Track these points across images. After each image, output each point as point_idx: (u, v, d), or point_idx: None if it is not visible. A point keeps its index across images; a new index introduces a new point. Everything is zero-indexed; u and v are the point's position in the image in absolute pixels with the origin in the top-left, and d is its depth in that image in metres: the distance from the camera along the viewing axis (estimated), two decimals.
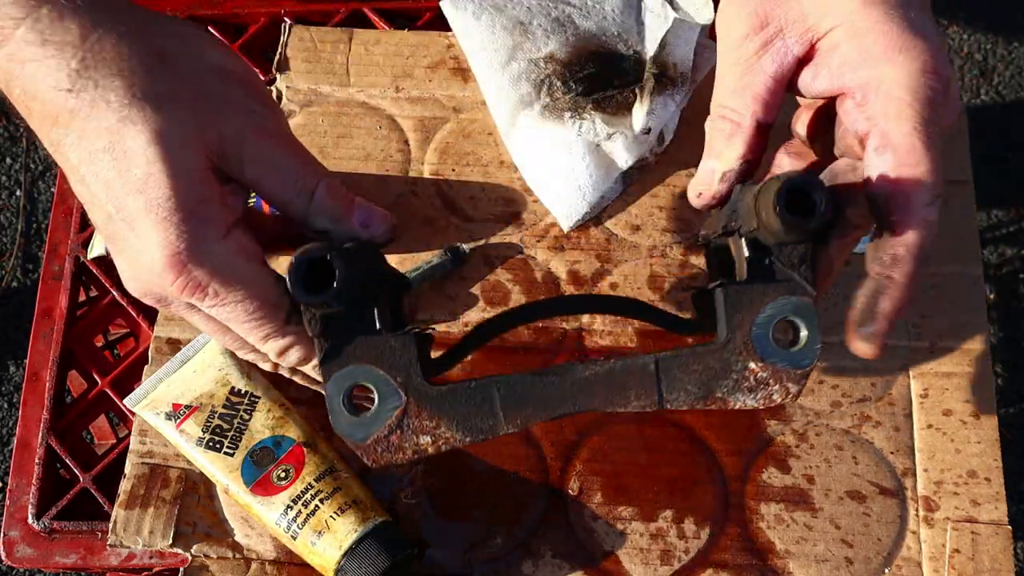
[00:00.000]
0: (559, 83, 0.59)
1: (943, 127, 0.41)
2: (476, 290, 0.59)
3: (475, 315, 0.58)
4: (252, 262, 0.41)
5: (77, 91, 0.38)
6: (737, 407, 0.43)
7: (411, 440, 0.43)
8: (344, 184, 0.57)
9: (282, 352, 0.44)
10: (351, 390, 0.42)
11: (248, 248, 0.41)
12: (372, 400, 0.43)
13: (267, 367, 0.50)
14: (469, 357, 0.57)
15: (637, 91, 0.59)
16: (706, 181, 0.46)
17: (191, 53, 0.41)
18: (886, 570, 0.53)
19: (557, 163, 0.59)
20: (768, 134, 0.45)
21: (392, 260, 0.59)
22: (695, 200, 0.47)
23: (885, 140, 0.41)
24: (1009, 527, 0.53)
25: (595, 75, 0.60)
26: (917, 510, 0.54)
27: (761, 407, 0.43)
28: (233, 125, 0.40)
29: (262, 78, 0.42)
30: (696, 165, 0.47)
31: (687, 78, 0.60)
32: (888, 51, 0.41)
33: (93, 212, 0.41)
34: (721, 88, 0.45)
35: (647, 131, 0.59)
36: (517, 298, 0.59)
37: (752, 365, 0.43)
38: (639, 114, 0.58)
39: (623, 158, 0.59)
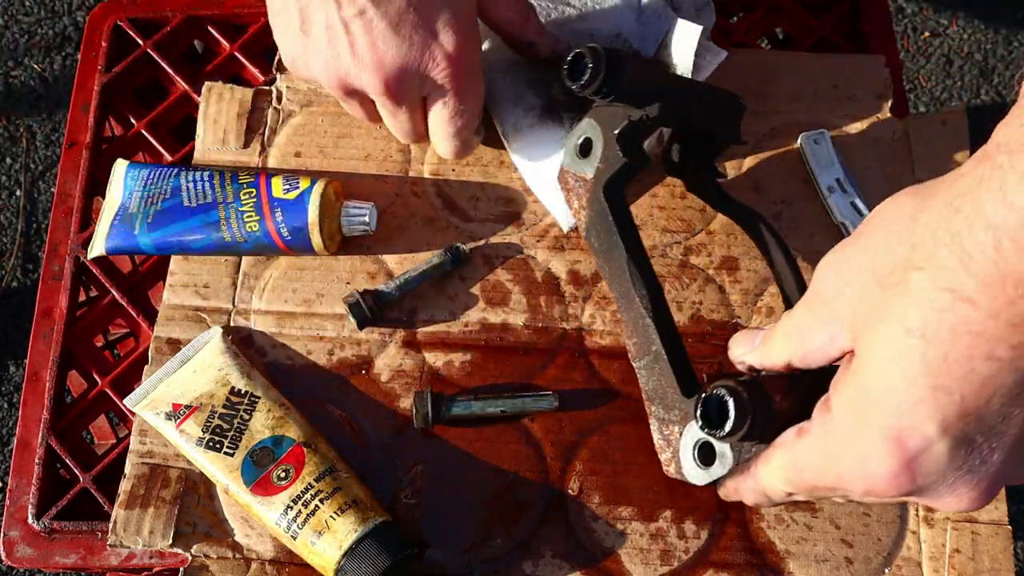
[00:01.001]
0: (558, 84, 0.59)
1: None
2: (476, 290, 0.59)
3: (475, 315, 0.58)
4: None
5: None
6: None
7: None
8: (344, 184, 0.60)
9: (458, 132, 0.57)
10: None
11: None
12: None
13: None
14: (468, 357, 0.57)
15: None
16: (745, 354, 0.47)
17: None
18: (886, 570, 0.53)
19: (556, 164, 0.59)
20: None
21: (392, 260, 0.59)
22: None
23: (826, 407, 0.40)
24: (1009, 527, 0.53)
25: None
26: (917, 510, 0.54)
27: None
28: None
29: None
30: None
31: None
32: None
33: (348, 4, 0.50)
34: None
35: None
36: (517, 298, 0.59)
37: None
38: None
39: None
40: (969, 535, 0.53)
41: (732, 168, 0.62)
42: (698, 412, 0.43)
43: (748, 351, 0.46)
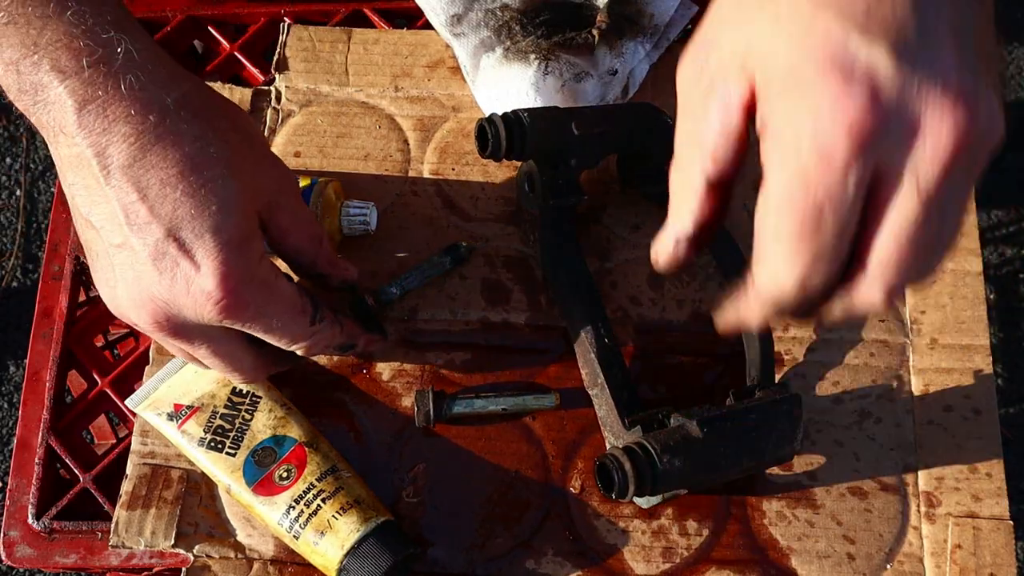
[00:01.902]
0: (518, 28, 0.60)
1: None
2: (477, 289, 0.59)
3: (476, 314, 0.58)
4: (282, 278, 0.47)
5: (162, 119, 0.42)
6: None
7: None
8: (344, 184, 0.58)
9: (311, 348, 0.50)
10: None
11: (277, 269, 0.47)
12: None
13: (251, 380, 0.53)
14: (469, 356, 0.57)
15: (595, 32, 0.60)
16: (663, 243, 0.42)
17: (245, 121, 0.47)
18: (888, 566, 0.53)
19: (525, 104, 0.59)
20: (725, 192, 0.40)
21: (393, 260, 0.59)
22: (655, 263, 0.43)
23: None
24: (1011, 522, 0.53)
25: (551, 21, 0.61)
26: (919, 506, 0.54)
27: None
28: (275, 184, 0.47)
29: None
30: None
31: (659, 30, 0.62)
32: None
33: (112, 231, 0.43)
34: (677, 137, 0.40)
35: (613, 72, 0.60)
36: (518, 297, 0.59)
37: None
38: (604, 54, 0.60)
39: (591, 97, 0.60)
40: (971, 531, 0.53)
41: None
42: (596, 476, 0.48)
43: (665, 230, 0.42)
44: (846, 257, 0.35)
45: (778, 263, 0.35)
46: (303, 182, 0.57)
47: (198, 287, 0.43)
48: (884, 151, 0.33)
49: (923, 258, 0.35)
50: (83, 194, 0.42)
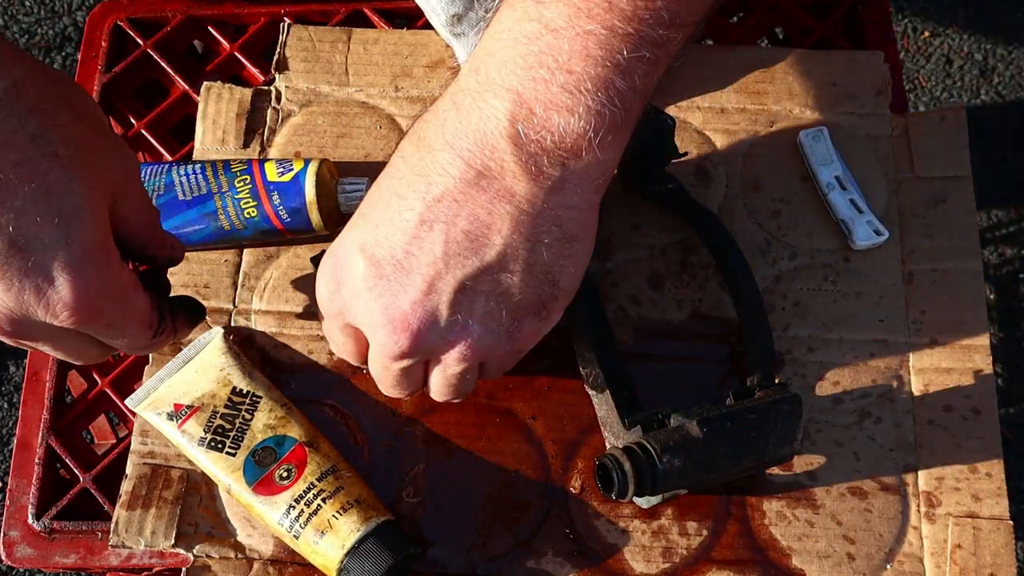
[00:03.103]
0: None
1: None
2: None
3: None
4: (139, 291, 0.45)
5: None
6: None
7: None
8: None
9: (143, 351, 0.50)
10: None
11: (133, 280, 0.45)
12: None
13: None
14: None
15: None
16: None
17: (87, 105, 0.44)
18: (888, 566, 0.53)
19: None
20: None
21: None
22: None
23: None
24: (1011, 522, 0.53)
25: None
26: (919, 506, 0.54)
27: None
28: (120, 174, 0.44)
29: None
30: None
31: None
32: None
33: None
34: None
35: None
36: None
37: None
38: None
39: None
40: (971, 531, 0.53)
41: (732, 166, 0.62)
42: (596, 476, 0.49)
43: None
44: (422, 385, 0.50)
45: (389, 392, 0.51)
46: (296, 166, 0.57)
47: (53, 299, 0.40)
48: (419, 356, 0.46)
49: (449, 394, 0.50)
50: None
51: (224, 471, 0.52)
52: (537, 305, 0.46)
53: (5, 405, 1.32)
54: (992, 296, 1.37)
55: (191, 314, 0.51)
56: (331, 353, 0.57)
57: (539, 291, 0.45)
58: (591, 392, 0.54)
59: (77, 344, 0.45)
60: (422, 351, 0.45)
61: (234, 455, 0.52)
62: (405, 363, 0.46)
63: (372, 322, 0.45)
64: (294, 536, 0.50)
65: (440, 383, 0.48)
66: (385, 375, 0.48)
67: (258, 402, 0.54)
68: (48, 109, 0.40)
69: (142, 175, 0.59)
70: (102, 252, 0.41)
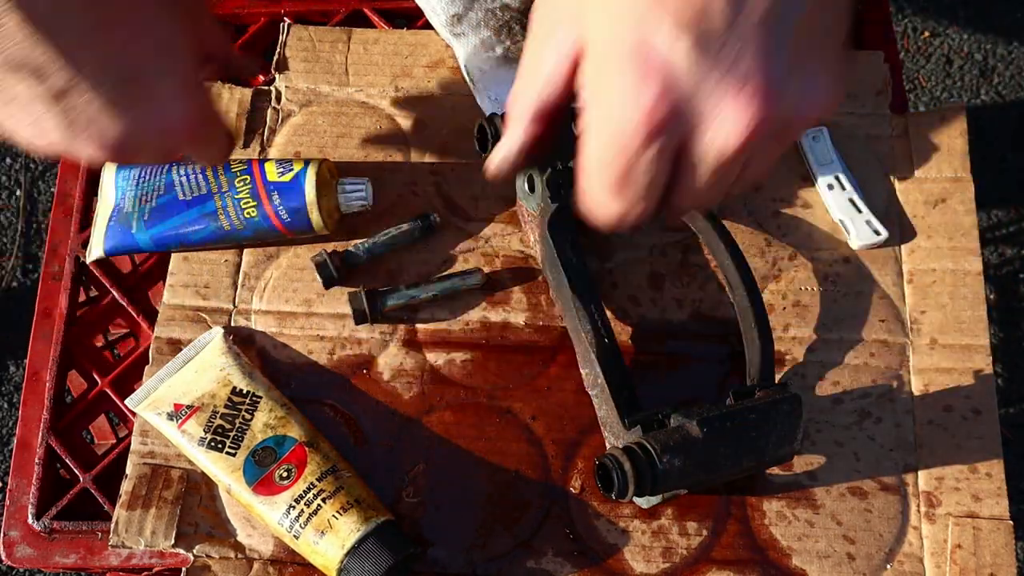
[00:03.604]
0: (519, 27, 0.60)
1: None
2: (476, 289, 0.59)
3: (476, 314, 0.58)
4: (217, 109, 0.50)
5: None
6: None
7: None
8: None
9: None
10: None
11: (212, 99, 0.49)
12: None
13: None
14: (469, 356, 0.57)
15: None
16: (494, 157, 0.48)
17: None
18: (888, 566, 0.53)
19: None
20: (551, 122, 0.45)
21: (392, 258, 0.59)
22: (485, 172, 0.49)
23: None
24: (1011, 522, 0.53)
25: None
26: (919, 506, 0.54)
27: None
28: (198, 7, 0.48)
29: None
30: None
31: None
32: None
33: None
34: (520, 66, 0.45)
35: None
36: (518, 297, 0.59)
37: None
38: None
39: None
40: (971, 530, 0.53)
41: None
42: (596, 476, 0.48)
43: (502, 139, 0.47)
44: (659, 196, 0.41)
45: (603, 201, 0.41)
46: (296, 166, 0.57)
47: (168, 121, 0.44)
48: (681, 130, 0.37)
49: (716, 196, 0.41)
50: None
51: (224, 471, 0.52)
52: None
53: (5, 405, 1.32)
54: (992, 296, 1.37)
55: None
56: (331, 353, 0.57)
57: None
58: (591, 392, 0.54)
59: (167, 153, 0.48)
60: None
61: (234, 455, 0.52)
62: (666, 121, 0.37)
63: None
64: (294, 536, 0.50)
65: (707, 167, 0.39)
66: (624, 152, 0.39)
67: (258, 402, 0.54)
68: None
69: (142, 174, 0.59)
70: (195, 77, 0.45)
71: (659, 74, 0.36)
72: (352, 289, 0.58)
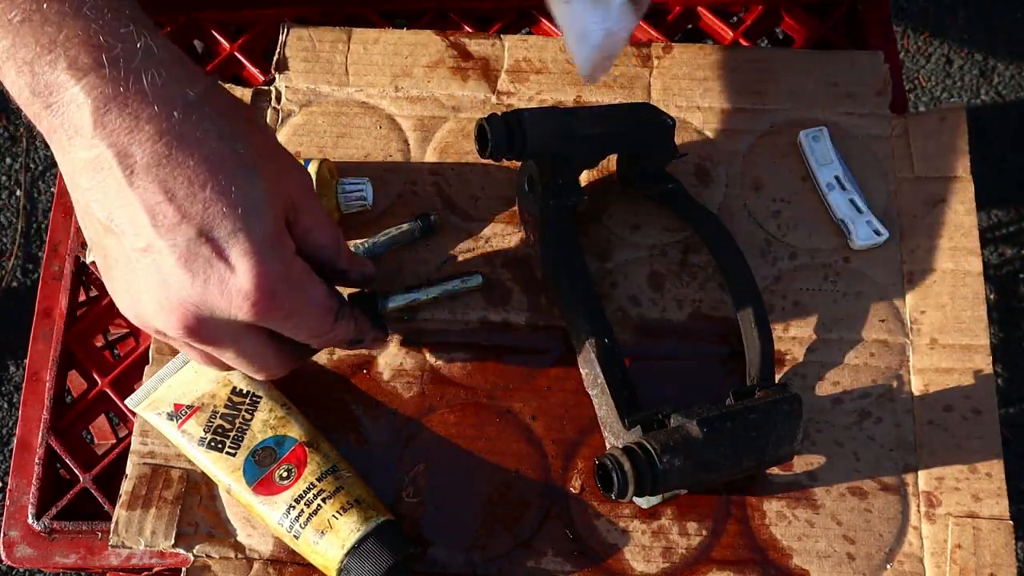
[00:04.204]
0: None
1: None
2: (476, 288, 0.59)
3: (476, 314, 0.58)
4: (314, 277, 0.46)
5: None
6: None
7: None
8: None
9: (329, 343, 0.50)
10: None
11: (308, 268, 0.46)
12: None
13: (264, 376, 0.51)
14: (470, 356, 0.57)
15: None
16: None
17: (262, 120, 0.48)
18: (888, 566, 0.53)
19: (567, 20, 0.54)
20: None
21: (391, 258, 0.59)
22: None
23: None
24: (1011, 522, 0.53)
25: None
26: (919, 506, 0.54)
27: None
28: (297, 185, 0.46)
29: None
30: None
31: None
32: None
33: (135, 236, 0.41)
34: None
35: None
36: (518, 297, 0.59)
37: None
38: None
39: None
40: (971, 531, 0.53)
41: (732, 166, 0.62)
42: (596, 476, 0.48)
43: None
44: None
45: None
46: None
47: (233, 287, 0.42)
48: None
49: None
50: (100, 199, 0.40)
51: (224, 471, 0.52)
52: None
53: (5, 405, 1.32)
54: (992, 296, 1.37)
55: (375, 320, 0.52)
56: (331, 353, 0.57)
57: None
58: (591, 392, 0.54)
59: (258, 347, 0.46)
60: None
61: (234, 455, 0.52)
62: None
63: None
64: (294, 536, 0.50)
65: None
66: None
67: (258, 402, 0.54)
68: (231, 115, 0.42)
69: None
70: (278, 241, 0.43)
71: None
72: (352, 291, 0.58)
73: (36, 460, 0.58)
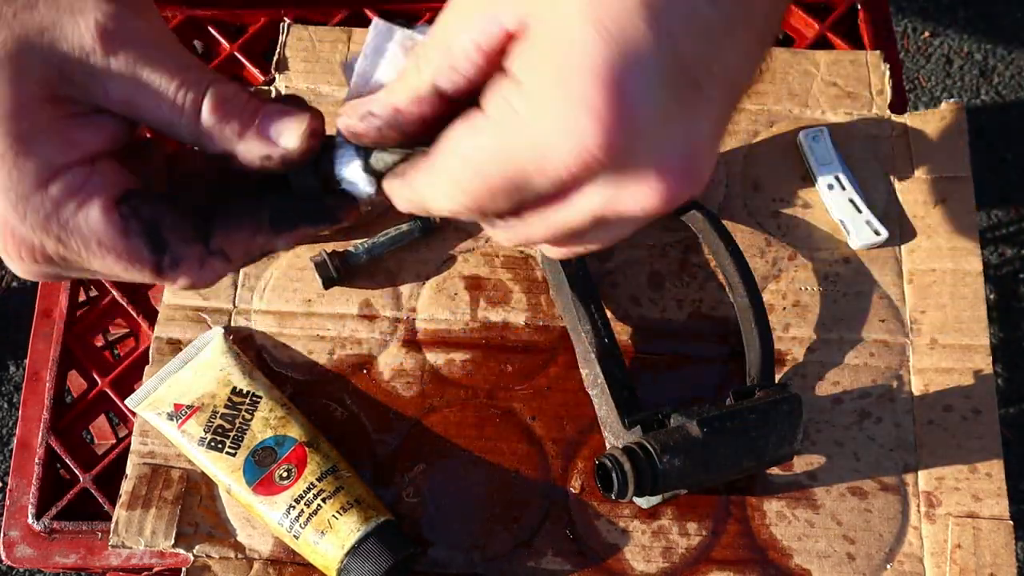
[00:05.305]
0: None
1: None
2: (477, 289, 0.59)
3: (476, 314, 0.58)
4: (87, 207, 0.32)
5: None
6: None
7: None
8: None
9: (193, 285, 0.36)
10: None
11: (76, 188, 0.32)
12: None
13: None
14: (469, 356, 0.57)
15: None
16: (357, 107, 0.35)
17: None
18: (888, 566, 0.53)
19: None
20: (449, 106, 0.33)
21: (392, 260, 0.59)
22: (340, 120, 0.36)
23: None
24: (1011, 522, 0.53)
25: None
26: (919, 506, 0.54)
27: None
28: (73, 40, 0.31)
29: None
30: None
31: None
32: None
33: None
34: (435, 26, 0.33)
35: None
36: (518, 297, 0.59)
37: None
38: None
39: None
40: (971, 530, 0.53)
41: (732, 166, 0.62)
42: (596, 476, 0.48)
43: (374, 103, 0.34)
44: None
45: (433, 200, 0.33)
46: None
47: None
48: (588, 177, 0.30)
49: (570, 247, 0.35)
50: None
51: (224, 471, 0.52)
52: None
53: (5, 405, 1.32)
54: (992, 296, 1.37)
55: (301, 201, 0.35)
56: (331, 353, 0.57)
57: None
58: (591, 392, 0.54)
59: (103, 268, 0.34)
60: None
61: (234, 455, 0.52)
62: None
63: None
64: (294, 536, 0.50)
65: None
66: (513, 180, 0.31)
67: (258, 402, 0.54)
68: None
69: None
70: (12, 155, 0.31)
71: (623, 111, 0.28)
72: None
73: (36, 460, 0.58)
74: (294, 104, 0.34)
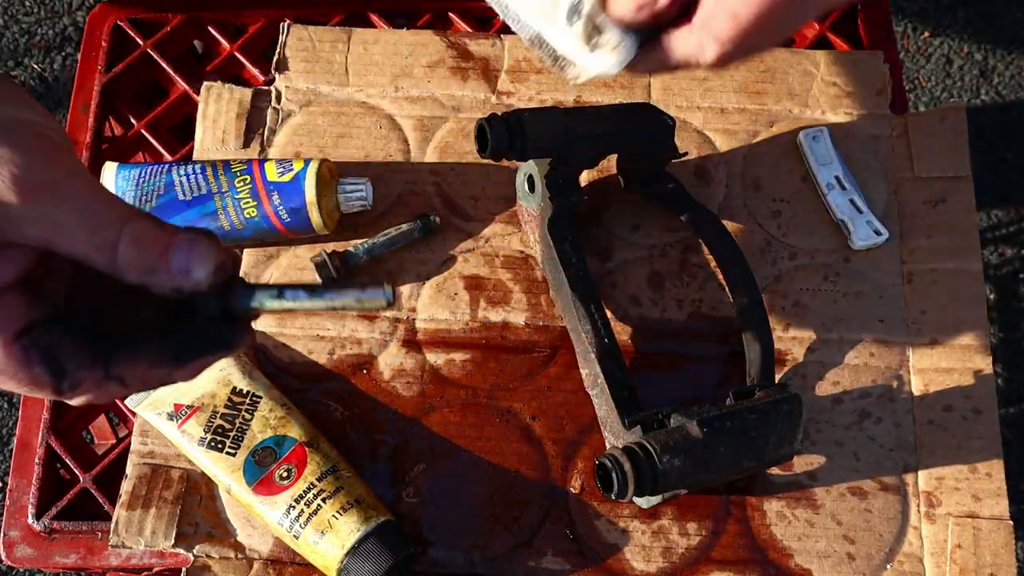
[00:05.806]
0: None
1: None
2: (477, 289, 0.59)
3: (476, 314, 0.58)
4: None
5: None
6: None
7: None
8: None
9: (92, 400, 0.35)
10: None
11: None
12: None
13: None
14: (469, 356, 0.57)
15: None
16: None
17: None
18: (888, 566, 0.53)
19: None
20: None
21: (392, 259, 0.59)
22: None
23: None
24: (1011, 522, 0.53)
25: None
26: (919, 506, 0.54)
27: None
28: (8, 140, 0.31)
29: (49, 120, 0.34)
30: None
31: None
32: None
33: None
34: None
35: None
36: (518, 297, 0.59)
37: None
38: None
39: None
40: (971, 530, 0.53)
41: (732, 166, 0.62)
42: (596, 476, 0.48)
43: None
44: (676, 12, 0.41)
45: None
46: (296, 166, 0.57)
47: None
48: None
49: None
50: None
51: (224, 471, 0.52)
52: None
53: (5, 405, 1.32)
54: (992, 296, 1.37)
55: (199, 334, 0.36)
56: (331, 353, 0.57)
57: None
58: (591, 392, 0.54)
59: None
60: None
61: (234, 455, 0.52)
62: None
63: None
64: (294, 536, 0.50)
65: None
66: None
67: (258, 402, 0.54)
68: None
69: (142, 175, 0.59)
70: None
71: None
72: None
73: (36, 460, 0.58)
74: (204, 237, 0.35)
